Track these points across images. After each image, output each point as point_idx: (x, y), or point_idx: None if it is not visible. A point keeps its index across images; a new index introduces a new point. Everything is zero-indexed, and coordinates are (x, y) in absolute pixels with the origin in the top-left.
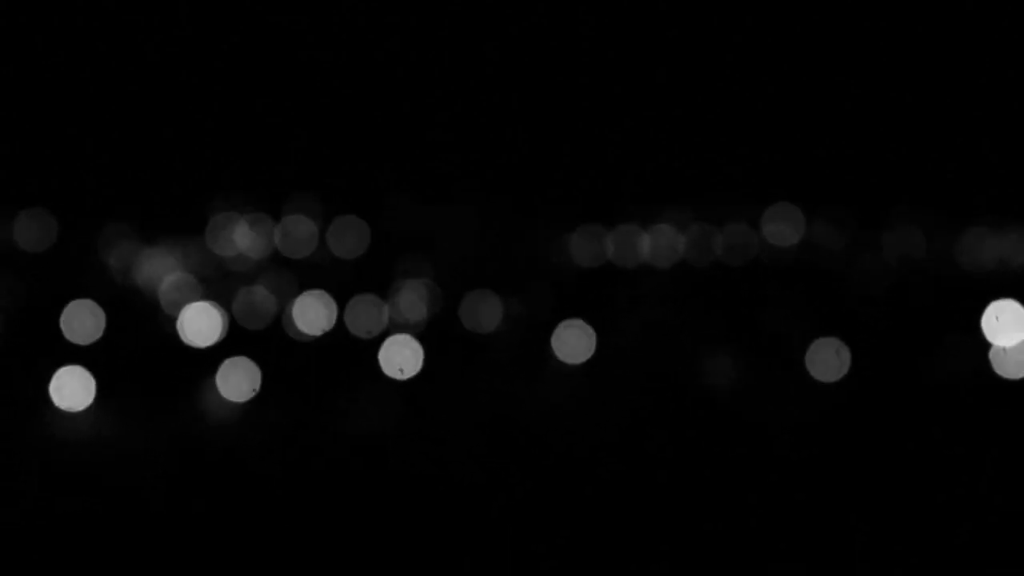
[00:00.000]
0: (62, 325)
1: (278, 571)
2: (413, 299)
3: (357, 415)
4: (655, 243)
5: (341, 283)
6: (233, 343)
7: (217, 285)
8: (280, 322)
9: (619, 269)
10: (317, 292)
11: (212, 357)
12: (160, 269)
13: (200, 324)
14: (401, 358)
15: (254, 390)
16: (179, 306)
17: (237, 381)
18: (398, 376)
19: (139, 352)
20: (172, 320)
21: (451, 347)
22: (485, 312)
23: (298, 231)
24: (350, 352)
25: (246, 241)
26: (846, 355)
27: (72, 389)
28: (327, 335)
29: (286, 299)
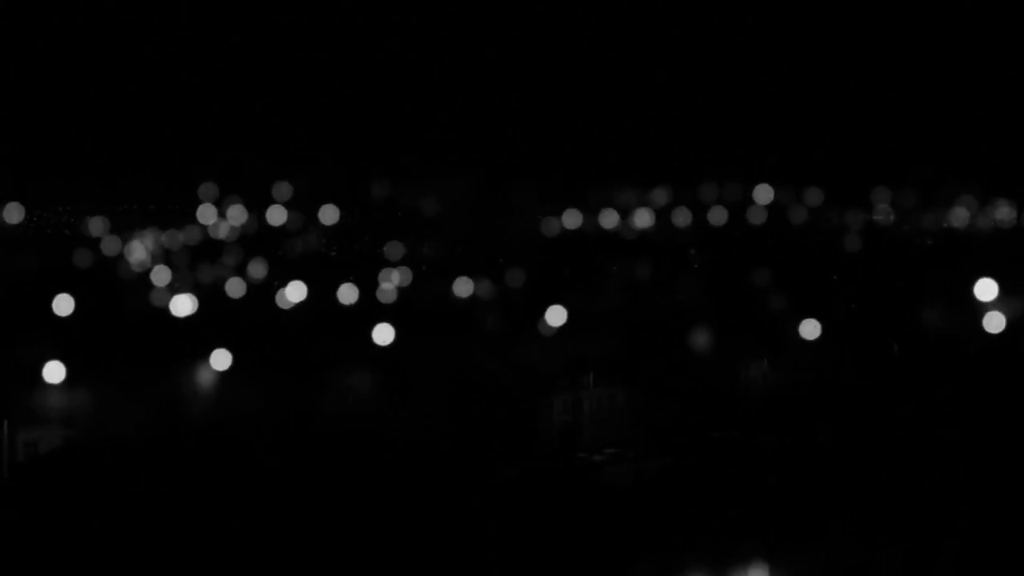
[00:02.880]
0: (50, 302)
1: (262, 539)
2: (395, 275)
3: (339, 389)
4: (635, 221)
5: (325, 260)
6: (218, 318)
7: (203, 262)
8: (263, 298)
9: (597, 245)
10: (300, 268)
11: (196, 332)
12: (145, 246)
13: (184, 300)
14: (383, 332)
15: (233, 366)
16: (164, 282)
17: (221, 355)
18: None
19: (124, 327)
20: (157, 296)
21: (431, 320)
22: (466, 284)
23: (282, 210)
24: (333, 327)
25: (232, 218)
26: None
27: (55, 363)
28: (311, 310)
29: (270, 276)
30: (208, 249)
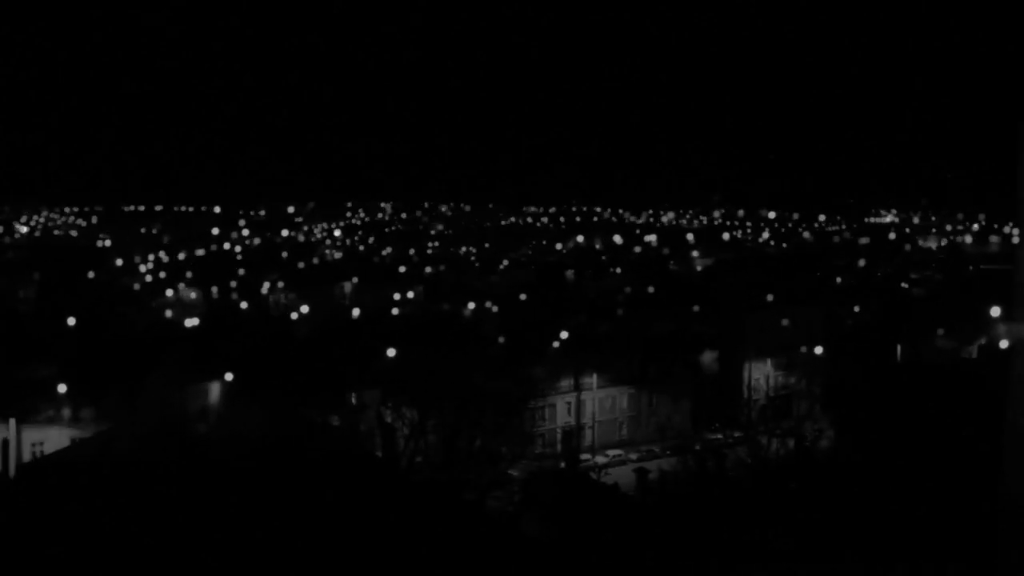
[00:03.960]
0: (58, 316)
1: (248, 552)
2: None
3: (335, 404)
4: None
5: (319, 277)
6: (213, 331)
7: (201, 276)
8: (272, 314)
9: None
10: (293, 283)
11: (188, 344)
12: (143, 256)
13: (183, 312)
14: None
15: (227, 378)
16: (164, 296)
17: (211, 369)
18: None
19: (117, 339)
20: (155, 308)
21: (429, 337)
22: (461, 303)
23: (288, 231)
24: (329, 340)
25: (240, 238)
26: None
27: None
28: (310, 325)
29: (271, 290)
30: (216, 267)
